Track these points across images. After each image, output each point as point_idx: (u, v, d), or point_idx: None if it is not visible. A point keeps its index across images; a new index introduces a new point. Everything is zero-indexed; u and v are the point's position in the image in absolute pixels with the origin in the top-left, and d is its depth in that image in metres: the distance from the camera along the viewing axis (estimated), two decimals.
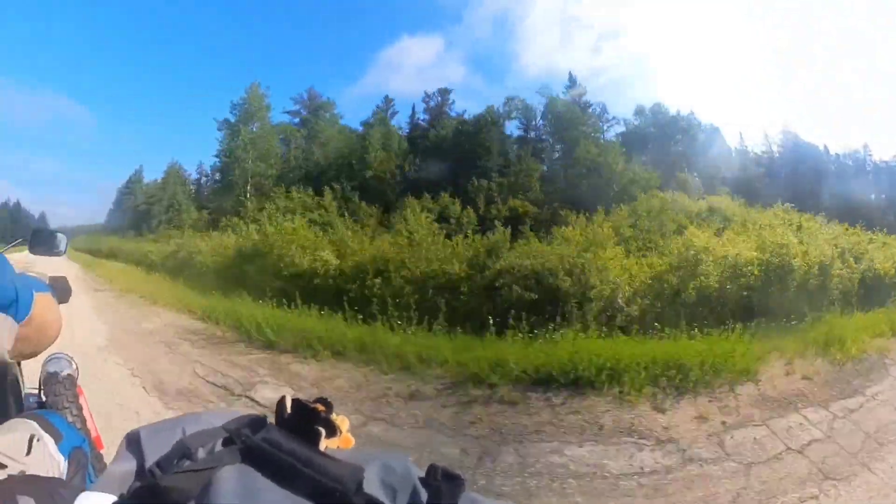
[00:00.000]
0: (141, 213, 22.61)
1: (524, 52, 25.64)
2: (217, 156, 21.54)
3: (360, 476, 0.45)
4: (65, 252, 1.74)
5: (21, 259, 1.35)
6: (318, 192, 17.56)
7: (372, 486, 0.46)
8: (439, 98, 20.09)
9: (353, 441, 0.62)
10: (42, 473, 0.87)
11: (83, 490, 0.55)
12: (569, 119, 17.50)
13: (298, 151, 21.24)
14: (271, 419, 0.55)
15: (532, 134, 18.44)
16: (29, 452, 0.92)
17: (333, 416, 0.54)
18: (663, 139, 16.47)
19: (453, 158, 17.80)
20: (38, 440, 0.96)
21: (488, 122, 18.28)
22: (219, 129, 20.91)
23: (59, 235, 1.73)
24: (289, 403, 0.53)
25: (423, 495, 0.46)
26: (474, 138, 18.00)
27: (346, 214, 16.03)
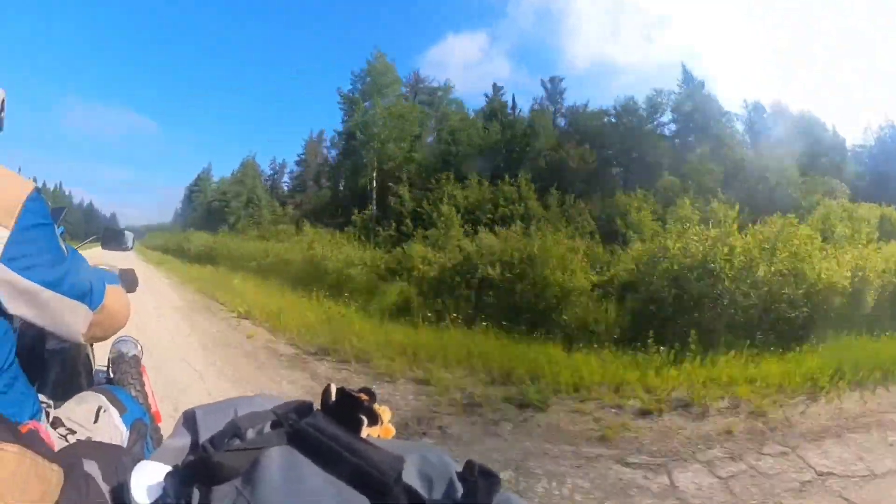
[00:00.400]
0: (215, 210, 21.48)
1: (571, 43, 24.54)
2: (343, 134, 18.53)
3: (400, 465, 0.46)
4: (132, 248, 1.89)
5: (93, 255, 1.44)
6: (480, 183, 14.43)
7: (410, 477, 0.46)
8: (549, 87, 18.01)
9: (393, 431, 0.63)
10: (106, 441, 0.94)
11: (142, 459, 0.59)
12: (707, 115, 15.50)
13: (434, 134, 18.11)
14: (318, 406, 0.57)
15: (666, 130, 16.41)
16: (96, 421, 1.02)
17: (376, 407, 0.56)
18: (784, 139, 14.73)
19: (613, 152, 15.77)
20: (104, 411, 1.06)
21: (631, 116, 16.10)
22: (340, 106, 17.96)
23: (128, 233, 1.88)
24: (334, 391, 0.55)
25: (459, 490, 0.46)
26: (630, 132, 15.78)
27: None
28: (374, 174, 16.96)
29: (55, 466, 0.62)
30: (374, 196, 16.70)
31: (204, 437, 0.59)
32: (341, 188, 20.01)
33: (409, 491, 0.44)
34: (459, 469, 0.48)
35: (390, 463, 0.45)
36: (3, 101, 1.00)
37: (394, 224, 13.97)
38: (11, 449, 0.55)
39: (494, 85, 18.74)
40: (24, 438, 0.60)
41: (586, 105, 17.48)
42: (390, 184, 16.20)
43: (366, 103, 17.31)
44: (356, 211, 15.64)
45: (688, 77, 16.44)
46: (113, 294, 0.97)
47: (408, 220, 13.66)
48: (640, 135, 15.86)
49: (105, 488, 0.67)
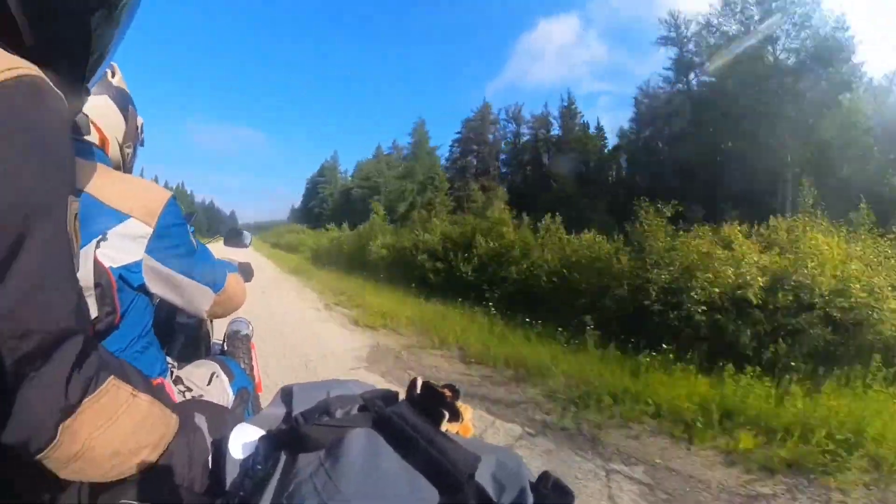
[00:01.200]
0: (356, 199, 16.83)
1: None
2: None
3: (475, 464, 0.45)
4: (249, 245, 2.16)
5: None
6: None
7: (483, 477, 0.46)
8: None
9: (472, 430, 0.63)
10: (215, 401, 1.07)
11: (242, 421, 0.65)
12: None
13: None
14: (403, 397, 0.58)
15: None
16: (209, 384, 1.17)
17: (458, 404, 0.56)
18: None
19: None
20: (217, 377, 1.21)
21: None
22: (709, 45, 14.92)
23: (246, 233, 2.14)
24: (419, 384, 0.56)
25: (530, 499, 0.45)
26: None
27: None
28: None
29: (174, 416, 0.71)
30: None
31: (297, 410, 0.64)
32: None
33: (480, 491, 0.44)
34: (533, 479, 0.47)
35: (465, 460, 0.45)
36: (142, 126, 1.23)
37: None
38: (146, 398, 0.65)
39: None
40: (153, 390, 0.69)
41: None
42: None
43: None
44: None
45: None
46: (232, 280, 1.14)
47: None
48: None
49: (208, 440, 0.76)
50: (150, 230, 0.90)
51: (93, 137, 1.01)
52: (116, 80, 1.09)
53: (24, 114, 0.48)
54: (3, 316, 0.46)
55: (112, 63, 1.07)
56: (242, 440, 0.60)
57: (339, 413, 0.59)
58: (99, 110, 1.02)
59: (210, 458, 0.71)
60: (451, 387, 0.55)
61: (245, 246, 2.10)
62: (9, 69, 0.47)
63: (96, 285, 0.83)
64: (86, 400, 0.54)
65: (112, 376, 0.58)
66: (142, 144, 1.27)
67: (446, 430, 0.52)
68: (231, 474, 0.57)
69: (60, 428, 0.51)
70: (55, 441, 0.51)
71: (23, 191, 0.47)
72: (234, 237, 2.08)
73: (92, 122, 0.99)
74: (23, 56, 0.52)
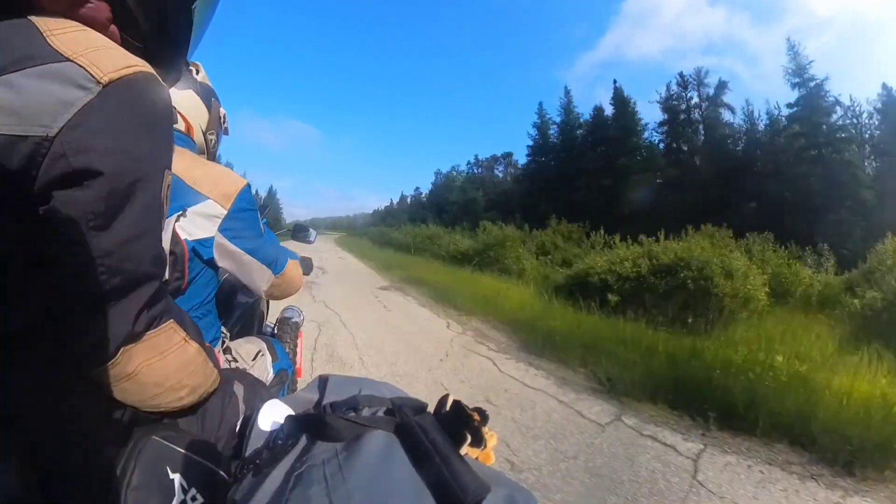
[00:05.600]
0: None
1: None
2: None
3: (484, 493, 0.44)
4: (314, 241, 2.27)
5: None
6: None
7: None
8: None
9: (492, 459, 0.61)
10: (256, 375, 1.12)
11: (275, 399, 0.67)
12: None
13: None
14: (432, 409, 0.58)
15: None
16: (254, 360, 1.23)
17: (485, 430, 0.55)
18: None
19: None
20: (262, 355, 1.27)
21: None
22: None
23: (311, 230, 2.26)
24: (449, 402, 0.56)
25: None
26: None
27: None
28: None
29: (215, 371, 0.76)
30: None
31: (328, 399, 0.65)
32: None
33: None
34: None
35: (475, 487, 0.44)
36: (224, 116, 1.37)
37: None
38: (194, 346, 0.70)
39: None
40: (204, 344, 0.74)
41: None
42: None
43: None
44: None
45: None
46: (292, 267, 1.24)
47: None
48: None
49: (241, 408, 0.81)
50: (224, 212, 1.00)
51: (179, 126, 1.15)
52: (201, 77, 1.24)
53: (141, 101, 0.58)
54: (104, 254, 0.54)
55: (197, 62, 1.24)
56: (271, 415, 0.62)
57: (365, 411, 0.60)
58: (185, 102, 1.17)
59: (239, 424, 0.75)
60: (479, 411, 0.54)
61: (310, 242, 2.21)
62: (129, 66, 0.57)
63: (171, 253, 0.93)
64: (148, 333, 0.61)
65: (172, 320, 0.65)
66: (226, 133, 1.41)
67: (466, 453, 0.51)
68: (254, 443, 0.59)
69: (122, 350, 0.59)
70: (114, 359, 0.59)
71: (136, 161, 0.56)
72: (300, 232, 2.20)
73: (179, 113, 1.14)
74: (136, 43, 0.65)
